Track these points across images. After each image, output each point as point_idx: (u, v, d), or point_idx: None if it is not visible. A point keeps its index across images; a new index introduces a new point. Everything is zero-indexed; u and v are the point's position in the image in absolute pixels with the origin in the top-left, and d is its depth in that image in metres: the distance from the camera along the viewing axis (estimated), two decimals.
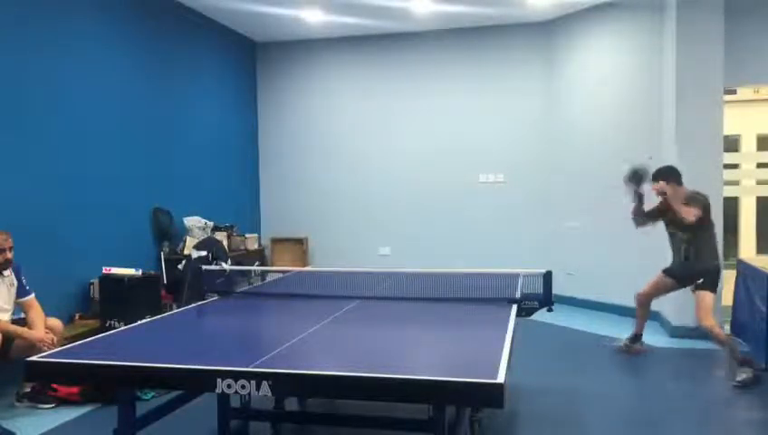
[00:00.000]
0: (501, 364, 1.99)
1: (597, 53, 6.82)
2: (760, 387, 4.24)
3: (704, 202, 4.52)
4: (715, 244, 4.72)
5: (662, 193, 4.61)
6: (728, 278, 5.69)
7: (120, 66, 5.58)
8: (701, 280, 4.57)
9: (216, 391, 1.98)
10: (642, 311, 5.06)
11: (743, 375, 4.26)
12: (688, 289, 4.83)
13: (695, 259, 4.64)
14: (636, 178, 4.69)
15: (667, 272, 4.92)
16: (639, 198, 4.74)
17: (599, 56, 6.80)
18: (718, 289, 4.74)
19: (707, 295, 4.51)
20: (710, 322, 4.42)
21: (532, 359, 4.90)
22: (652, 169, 4.70)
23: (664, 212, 4.76)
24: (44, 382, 3.81)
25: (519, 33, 7.42)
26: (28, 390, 3.93)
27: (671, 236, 4.81)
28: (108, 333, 2.69)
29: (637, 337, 5.11)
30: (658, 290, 5.01)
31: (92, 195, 5.20)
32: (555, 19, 7.19)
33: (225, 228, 6.79)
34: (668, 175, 4.61)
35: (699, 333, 5.45)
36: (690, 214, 4.43)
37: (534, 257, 7.10)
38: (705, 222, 4.54)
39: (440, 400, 1.97)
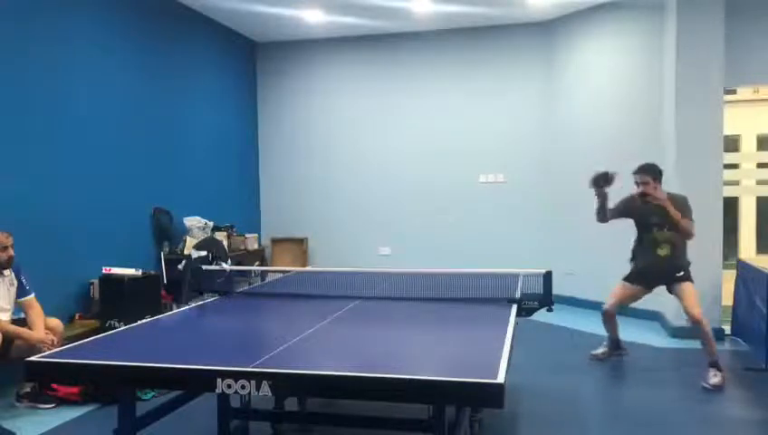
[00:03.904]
0: (501, 364, 1.99)
1: (597, 53, 6.82)
2: (759, 387, 4.25)
3: (690, 206, 4.47)
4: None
5: (645, 189, 4.47)
6: (728, 278, 5.69)
7: (120, 66, 5.58)
8: (681, 273, 4.49)
9: (216, 391, 1.98)
10: (611, 323, 4.83)
11: (715, 379, 4.23)
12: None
13: (673, 257, 4.51)
14: (603, 181, 4.53)
15: (630, 279, 4.70)
16: (604, 197, 4.57)
17: (599, 56, 6.81)
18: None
19: (691, 286, 4.46)
20: (700, 311, 4.33)
21: (533, 359, 4.91)
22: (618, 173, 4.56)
23: (632, 210, 4.62)
24: (44, 382, 3.81)
25: (519, 33, 7.42)
26: (28, 390, 3.93)
27: (643, 236, 4.63)
28: (108, 333, 2.69)
29: (615, 343, 4.91)
30: (623, 301, 4.78)
31: (92, 195, 5.20)
32: (555, 19, 7.19)
33: (225, 228, 6.79)
34: (656, 173, 4.50)
35: (698, 333, 5.46)
36: (693, 228, 4.42)
37: (534, 257, 7.10)
38: None
39: (440, 400, 1.97)
